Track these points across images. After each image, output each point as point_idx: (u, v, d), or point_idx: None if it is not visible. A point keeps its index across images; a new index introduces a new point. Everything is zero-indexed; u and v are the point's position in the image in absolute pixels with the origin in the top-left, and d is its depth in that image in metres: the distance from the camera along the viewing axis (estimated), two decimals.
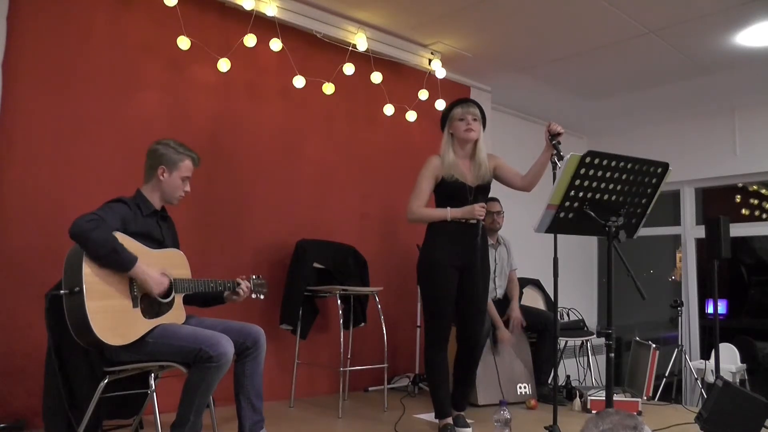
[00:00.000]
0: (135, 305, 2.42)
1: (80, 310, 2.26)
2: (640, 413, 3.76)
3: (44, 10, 3.27)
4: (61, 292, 2.32)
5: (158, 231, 2.65)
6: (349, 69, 4.32)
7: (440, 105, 4.82)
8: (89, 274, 2.30)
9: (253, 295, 2.87)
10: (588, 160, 2.37)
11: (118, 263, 2.35)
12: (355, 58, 4.35)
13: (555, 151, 2.88)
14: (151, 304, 2.48)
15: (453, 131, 3.26)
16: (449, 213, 3.15)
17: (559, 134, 2.93)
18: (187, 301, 2.66)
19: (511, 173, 3.30)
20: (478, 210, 3.11)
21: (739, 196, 6.61)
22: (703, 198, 6.65)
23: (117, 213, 2.46)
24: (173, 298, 2.57)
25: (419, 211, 3.22)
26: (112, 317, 2.34)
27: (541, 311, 4.62)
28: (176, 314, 2.57)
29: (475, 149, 3.26)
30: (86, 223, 2.31)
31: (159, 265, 2.52)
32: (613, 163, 2.41)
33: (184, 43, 3.65)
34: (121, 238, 2.40)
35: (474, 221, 3.17)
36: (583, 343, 5.10)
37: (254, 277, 2.90)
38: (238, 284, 2.80)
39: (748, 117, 5.94)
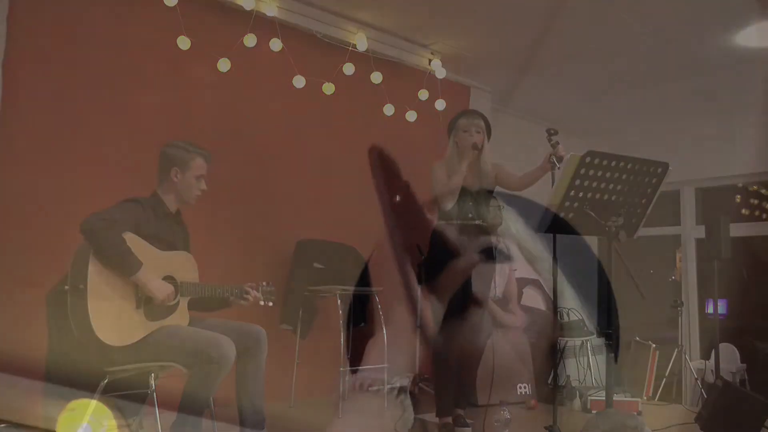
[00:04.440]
0: (138, 307, 2.42)
1: (82, 309, 2.27)
2: (640, 413, 3.75)
3: (44, 10, 3.26)
4: (65, 287, 2.32)
5: (171, 234, 2.65)
6: (349, 69, 4.31)
7: (440, 105, 4.81)
8: (94, 272, 2.30)
9: (261, 302, 2.86)
10: (588, 160, 2.37)
11: (122, 266, 2.34)
12: (355, 58, 4.34)
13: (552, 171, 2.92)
14: (155, 306, 2.47)
15: (458, 141, 3.34)
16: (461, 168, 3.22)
17: (561, 157, 2.91)
18: (190, 306, 2.66)
19: (510, 176, 3.38)
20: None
21: (739, 196, 6.61)
22: (703, 198, 6.65)
23: (131, 214, 2.46)
24: (178, 301, 2.56)
25: (450, 182, 3.26)
26: (113, 318, 2.34)
27: (540, 311, 4.62)
28: (180, 317, 2.57)
29: (478, 158, 3.32)
30: (98, 221, 2.31)
31: (166, 267, 2.52)
32: (613, 163, 2.42)
33: (184, 43, 3.64)
34: (132, 239, 2.40)
35: (473, 223, 3.19)
36: (583, 343, 5.10)
37: (264, 284, 2.89)
38: (247, 292, 2.78)
39: (748, 117, 5.94)
